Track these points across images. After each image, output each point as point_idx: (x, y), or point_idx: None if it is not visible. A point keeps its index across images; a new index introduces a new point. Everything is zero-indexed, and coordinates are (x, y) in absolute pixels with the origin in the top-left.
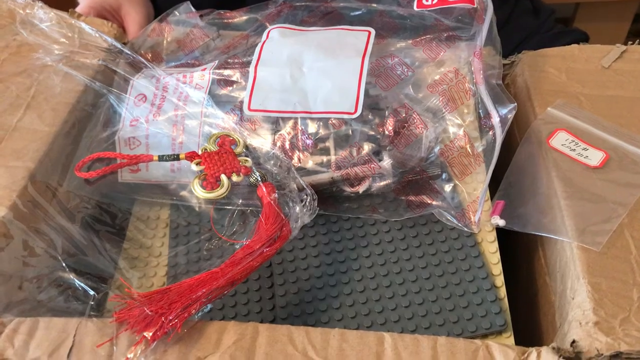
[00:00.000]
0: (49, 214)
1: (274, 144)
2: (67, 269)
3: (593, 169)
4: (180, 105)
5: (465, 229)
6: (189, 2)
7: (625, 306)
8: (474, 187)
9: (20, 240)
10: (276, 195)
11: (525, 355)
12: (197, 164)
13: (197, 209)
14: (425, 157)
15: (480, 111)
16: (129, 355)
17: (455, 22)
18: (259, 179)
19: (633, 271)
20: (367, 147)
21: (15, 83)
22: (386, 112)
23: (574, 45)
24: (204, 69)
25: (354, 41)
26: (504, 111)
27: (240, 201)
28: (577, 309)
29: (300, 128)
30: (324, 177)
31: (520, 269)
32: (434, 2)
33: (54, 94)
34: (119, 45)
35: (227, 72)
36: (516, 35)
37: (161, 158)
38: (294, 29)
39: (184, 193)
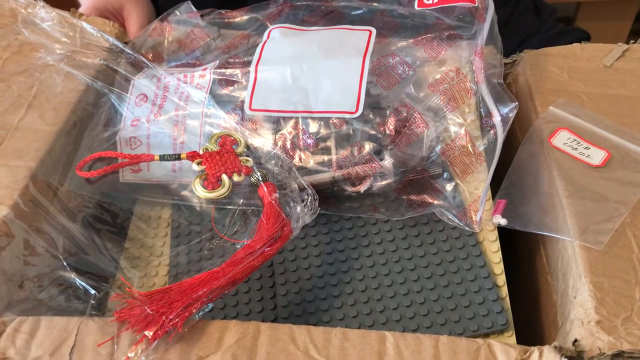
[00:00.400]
0: (50, 213)
1: (275, 143)
2: (68, 268)
3: (595, 167)
4: (182, 105)
5: (467, 228)
6: (189, 2)
7: (628, 305)
8: (475, 186)
9: (21, 240)
10: (277, 195)
11: (527, 354)
12: (199, 163)
13: (198, 208)
14: (426, 156)
15: (482, 110)
16: (129, 355)
17: (457, 21)
18: (260, 179)
19: (635, 270)
20: (368, 147)
21: (17, 82)
22: (387, 112)
23: (576, 44)
24: (205, 69)
25: (355, 40)
26: (505, 110)
27: (242, 201)
28: (579, 308)
29: (301, 127)
30: (325, 176)
31: (522, 268)
32: (434, 1)
33: (56, 93)
34: (120, 45)
35: (228, 71)
36: (518, 35)
37: (162, 158)
38: (295, 29)
39: (185, 193)
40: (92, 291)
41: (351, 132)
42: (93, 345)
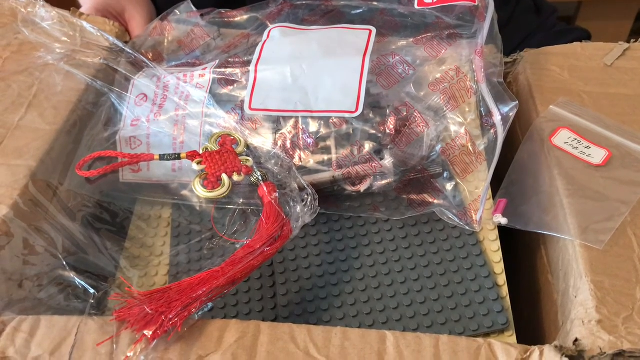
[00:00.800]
0: (49, 213)
1: (275, 143)
2: (68, 268)
3: (596, 167)
4: (182, 104)
5: (467, 228)
6: (189, 1)
7: (628, 304)
8: (475, 185)
9: (20, 239)
10: (277, 194)
11: (528, 353)
12: (198, 163)
13: (198, 208)
14: (426, 155)
15: (482, 109)
16: (129, 354)
17: (457, 20)
18: (260, 179)
19: (636, 269)
20: (368, 146)
21: (17, 82)
22: (387, 111)
23: (577, 43)
24: (205, 68)
25: (355, 40)
26: (505, 109)
27: (241, 200)
28: (579, 308)
29: (301, 127)
30: (325, 176)
31: (522, 268)
32: (434, 0)
33: (56, 92)
34: (120, 44)
35: (228, 71)
36: (518, 34)
37: (162, 157)
38: (295, 28)
39: (185, 192)
40: (92, 290)
41: (351, 132)
42: (93, 344)
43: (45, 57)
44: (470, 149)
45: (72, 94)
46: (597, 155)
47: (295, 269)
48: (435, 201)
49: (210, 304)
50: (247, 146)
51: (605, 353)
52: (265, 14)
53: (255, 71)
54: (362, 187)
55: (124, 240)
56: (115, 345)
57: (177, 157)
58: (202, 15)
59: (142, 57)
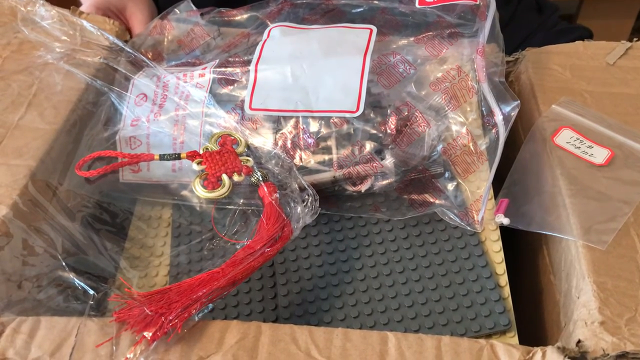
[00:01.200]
0: (49, 213)
1: (276, 143)
2: (67, 268)
3: (598, 166)
4: (182, 104)
5: (469, 228)
6: (189, 0)
7: (631, 305)
8: (477, 185)
9: (20, 239)
10: (277, 195)
11: (530, 354)
12: (199, 163)
13: (198, 208)
14: (427, 155)
15: (483, 109)
16: (128, 355)
17: (458, 19)
18: (261, 179)
19: (639, 270)
20: (369, 146)
21: (17, 81)
22: (388, 111)
23: (579, 42)
24: (205, 68)
25: (356, 39)
26: (507, 109)
27: (242, 201)
28: (582, 309)
29: (301, 127)
30: (326, 176)
31: (524, 268)
32: None
33: (55, 92)
34: (120, 44)
35: (228, 71)
36: (520, 33)
37: (162, 157)
38: (295, 27)
39: (185, 192)
40: (91, 291)
41: (352, 132)
42: (93, 345)
43: (45, 56)
44: (472, 148)
45: (72, 93)
46: (600, 155)
47: (296, 269)
48: (437, 201)
49: (210, 305)
50: (248, 146)
51: (608, 354)
52: (266, 13)
53: (256, 71)
54: (363, 187)
55: (123, 241)
56: (114, 347)
57: (177, 157)
58: (202, 14)
59: (142, 56)
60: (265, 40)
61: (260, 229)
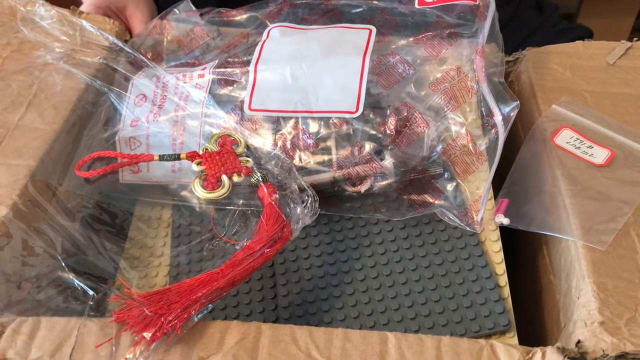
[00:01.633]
0: (48, 214)
1: (275, 143)
2: (67, 269)
3: (598, 167)
4: (181, 104)
5: (468, 229)
6: (188, 0)
7: (631, 306)
8: (477, 185)
9: (19, 240)
10: (277, 195)
11: (530, 355)
12: (198, 164)
13: (197, 209)
14: (427, 156)
15: (483, 109)
16: (128, 356)
17: (457, 19)
18: (260, 180)
19: (639, 270)
20: (368, 147)
21: (17, 81)
22: (388, 111)
23: (579, 42)
24: (204, 68)
25: (355, 39)
26: (506, 109)
27: (241, 202)
28: (582, 309)
29: (301, 127)
30: (326, 176)
31: (524, 268)
32: None
33: (55, 92)
34: (120, 44)
35: (227, 71)
36: (520, 32)
37: (162, 158)
38: (295, 28)
39: (184, 193)
40: (91, 292)
41: (351, 132)
42: (93, 346)
43: (44, 56)
44: (471, 149)
45: (71, 93)
46: (600, 155)
47: (296, 269)
48: (436, 202)
49: (210, 306)
50: (247, 147)
51: (607, 355)
52: (265, 13)
53: (255, 71)
54: (363, 188)
55: (123, 241)
56: (114, 347)
57: (177, 157)
58: (201, 15)
59: (141, 56)
60: (265, 41)
61: (260, 230)
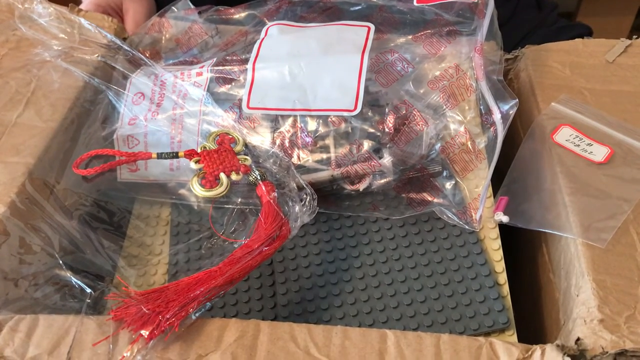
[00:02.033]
0: (46, 211)
1: (274, 142)
2: (64, 267)
3: (598, 164)
4: (180, 103)
5: (467, 227)
6: None
7: (631, 303)
8: (475, 184)
9: (17, 238)
10: (276, 194)
11: (530, 352)
12: (196, 162)
13: (196, 207)
14: (426, 154)
15: (482, 107)
16: (125, 354)
17: (456, 17)
18: (259, 178)
19: (638, 268)
20: (367, 145)
21: (15, 79)
22: (386, 109)
23: (578, 40)
24: (203, 67)
25: (354, 37)
26: (505, 107)
27: (240, 200)
28: (581, 306)
29: (299, 126)
30: (324, 175)
31: (523, 266)
32: None
33: (53, 90)
34: (118, 42)
35: (225, 69)
36: (519, 30)
37: (160, 156)
38: (293, 26)
39: (183, 191)
40: (88, 290)
41: (350, 130)
42: (91, 344)
43: (42, 54)
44: (470, 147)
45: (70, 91)
46: (599, 152)
47: (295, 268)
48: (435, 200)
49: (208, 304)
50: (246, 145)
51: (607, 352)
52: (263, 11)
53: (253, 69)
54: (361, 186)
55: (121, 240)
56: (113, 345)
57: (175, 155)
58: (199, 13)
59: (139, 54)
60: (263, 39)
61: (258, 228)
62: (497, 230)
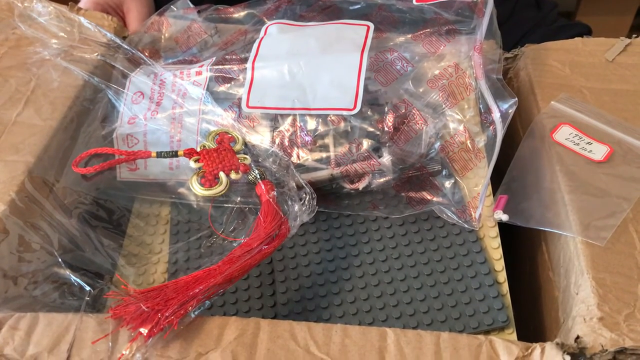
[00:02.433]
0: (45, 210)
1: (273, 141)
2: (63, 265)
3: (597, 163)
4: (179, 102)
5: (466, 226)
6: None
7: (630, 301)
8: (475, 182)
9: (16, 236)
10: (275, 193)
11: (529, 351)
12: (196, 161)
13: (195, 206)
14: (425, 153)
15: (481, 106)
16: (124, 352)
17: (455, 16)
18: (258, 177)
19: (638, 266)
20: (366, 144)
21: (14, 77)
22: (386, 108)
23: (578, 39)
24: (202, 66)
25: (353, 36)
26: (504, 106)
27: (239, 199)
28: (581, 305)
29: (299, 125)
30: (324, 174)
31: (523, 265)
32: None
33: (53, 88)
34: (117, 40)
35: (225, 68)
36: (519, 29)
37: (159, 154)
38: (292, 25)
39: (182, 190)
40: (87, 288)
41: (349, 129)
42: (91, 342)
43: (42, 52)
44: (470, 146)
45: (69, 90)
46: (599, 151)
47: (294, 266)
48: (434, 199)
49: (207, 302)
50: (245, 144)
51: (606, 350)
52: (263, 10)
53: (253, 68)
54: (361, 185)
55: (120, 238)
56: (111, 343)
57: (175, 154)
58: (199, 12)
59: (139, 53)
60: (262, 38)
61: (258, 227)
62: (496, 228)
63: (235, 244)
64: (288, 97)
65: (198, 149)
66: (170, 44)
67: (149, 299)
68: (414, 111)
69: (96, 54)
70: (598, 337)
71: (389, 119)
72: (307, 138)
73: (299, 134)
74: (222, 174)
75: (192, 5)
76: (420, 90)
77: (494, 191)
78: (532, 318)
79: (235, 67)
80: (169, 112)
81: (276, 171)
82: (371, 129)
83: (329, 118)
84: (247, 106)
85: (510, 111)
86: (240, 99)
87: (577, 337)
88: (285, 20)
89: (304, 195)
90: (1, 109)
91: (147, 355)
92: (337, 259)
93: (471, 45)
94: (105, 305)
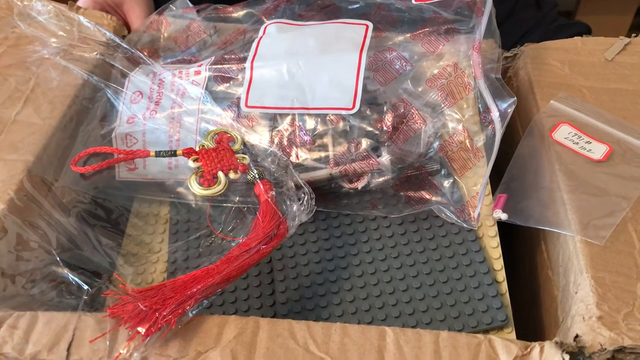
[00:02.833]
0: (44, 209)
1: (272, 140)
2: (61, 264)
3: (596, 162)
4: (178, 101)
5: (465, 225)
6: None
7: (629, 300)
8: (474, 182)
9: (14, 234)
10: (274, 192)
11: (528, 350)
12: (195, 160)
13: (194, 205)
14: (424, 152)
15: (480, 106)
16: (121, 351)
17: (454, 15)
18: (257, 177)
19: (637, 265)
20: (365, 143)
21: (14, 76)
22: (384, 108)
23: (577, 38)
24: (201, 65)
25: (352, 35)
26: (503, 105)
27: (238, 198)
28: (580, 304)
29: (298, 124)
30: (322, 173)
31: (522, 264)
32: None
33: (52, 87)
34: (117, 40)
35: (224, 68)
36: (518, 28)
37: (158, 154)
38: (291, 24)
39: (181, 190)
40: (85, 287)
41: (348, 129)
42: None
43: (41, 51)
44: (468, 145)
45: (68, 89)
46: (598, 150)
47: (293, 266)
48: (433, 198)
49: (206, 302)
50: (244, 144)
51: (605, 349)
52: (262, 9)
53: (251, 68)
54: (360, 185)
55: (119, 237)
56: (111, 342)
57: (173, 153)
58: (198, 11)
59: (138, 52)
60: (261, 37)
61: (256, 227)
62: (495, 227)
63: (233, 244)
64: (287, 96)
65: (197, 149)
66: (169, 44)
67: (146, 298)
68: (412, 110)
69: (95, 53)
70: (597, 336)
71: (388, 119)
72: (306, 137)
73: (297, 133)
74: (220, 174)
75: (191, 5)
76: (419, 89)
77: (493, 190)
78: (531, 317)
79: (234, 67)
80: (167, 111)
81: (275, 171)
82: (370, 129)
83: (327, 117)
84: (246, 106)
85: (509, 110)
86: (239, 98)
87: (576, 336)
88: (284, 20)
89: (303, 195)
90: (0, 107)
91: (145, 354)
92: (336, 258)
93: (470, 44)
94: (103, 304)
